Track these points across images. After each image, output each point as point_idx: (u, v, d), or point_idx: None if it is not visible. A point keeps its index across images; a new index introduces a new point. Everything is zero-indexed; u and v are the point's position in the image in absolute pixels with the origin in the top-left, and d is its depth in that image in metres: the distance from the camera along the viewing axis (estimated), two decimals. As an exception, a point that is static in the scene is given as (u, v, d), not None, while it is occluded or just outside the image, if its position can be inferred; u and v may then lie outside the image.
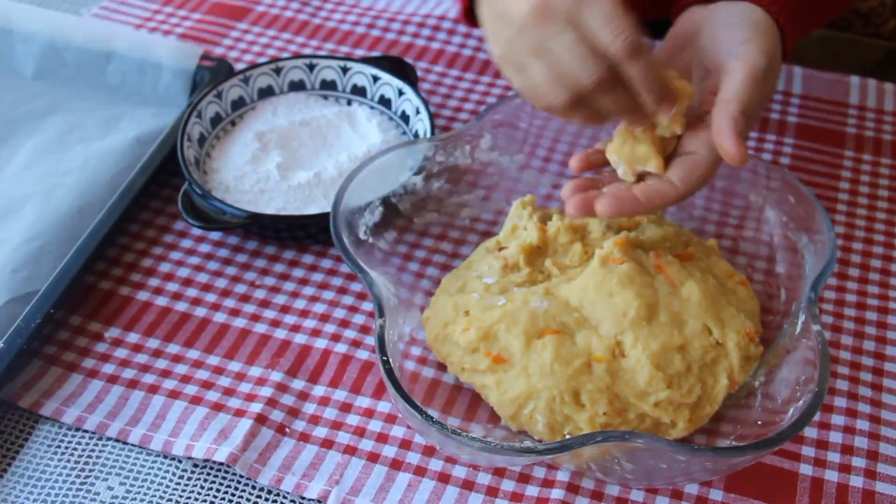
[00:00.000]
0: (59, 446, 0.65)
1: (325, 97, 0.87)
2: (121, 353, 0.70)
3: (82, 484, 0.62)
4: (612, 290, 0.64)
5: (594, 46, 0.58)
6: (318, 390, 0.68)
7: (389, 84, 0.85)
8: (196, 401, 0.67)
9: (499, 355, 0.63)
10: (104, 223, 0.74)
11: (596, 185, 0.66)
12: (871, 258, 0.78)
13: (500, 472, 0.63)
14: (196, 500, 0.62)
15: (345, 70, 0.86)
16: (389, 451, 0.64)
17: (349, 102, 0.87)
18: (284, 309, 0.73)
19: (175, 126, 0.82)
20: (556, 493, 0.62)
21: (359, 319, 0.73)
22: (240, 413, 0.66)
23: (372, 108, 0.86)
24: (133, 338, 0.71)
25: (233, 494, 0.62)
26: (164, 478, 0.63)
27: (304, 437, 0.65)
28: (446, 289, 0.70)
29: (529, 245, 0.70)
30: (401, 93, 0.84)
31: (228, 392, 0.67)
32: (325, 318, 0.73)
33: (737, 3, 0.65)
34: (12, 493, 0.62)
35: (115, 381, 0.68)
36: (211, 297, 0.74)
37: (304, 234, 0.77)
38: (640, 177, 0.64)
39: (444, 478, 0.63)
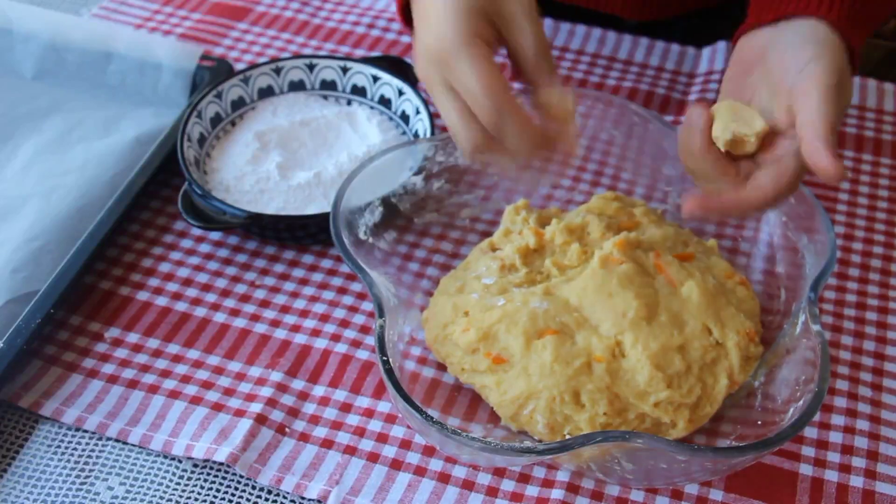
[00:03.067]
0: (59, 446, 0.65)
1: (325, 97, 0.87)
2: (121, 353, 0.70)
3: (82, 484, 0.62)
4: (611, 291, 0.64)
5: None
6: (318, 390, 0.68)
7: (389, 84, 0.85)
8: (196, 401, 0.67)
9: (499, 356, 0.63)
10: (104, 223, 0.74)
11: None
12: (871, 258, 0.78)
13: (500, 472, 0.63)
14: (196, 500, 0.62)
15: (345, 70, 0.86)
16: (389, 451, 0.64)
17: (349, 102, 0.87)
18: (284, 309, 0.73)
19: (175, 126, 0.82)
20: (556, 493, 0.62)
21: (359, 319, 0.73)
22: (240, 413, 0.66)
23: (372, 108, 0.86)
24: (133, 338, 0.71)
25: (233, 494, 0.62)
26: (164, 478, 0.63)
27: (304, 437, 0.65)
28: (445, 290, 0.70)
29: (526, 247, 0.70)
30: (401, 93, 0.84)
31: (228, 392, 0.67)
32: (325, 318, 0.73)
33: (798, 20, 0.65)
34: (12, 493, 0.62)
35: (115, 381, 0.68)
36: (211, 297, 0.74)
37: (304, 234, 0.77)
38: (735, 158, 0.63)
39: (444, 478, 0.63)
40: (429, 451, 0.64)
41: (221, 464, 0.64)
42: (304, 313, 0.73)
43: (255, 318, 0.73)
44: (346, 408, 0.67)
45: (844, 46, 0.63)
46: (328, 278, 0.76)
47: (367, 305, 0.74)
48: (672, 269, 0.66)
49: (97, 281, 0.75)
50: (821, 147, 0.58)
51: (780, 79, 0.63)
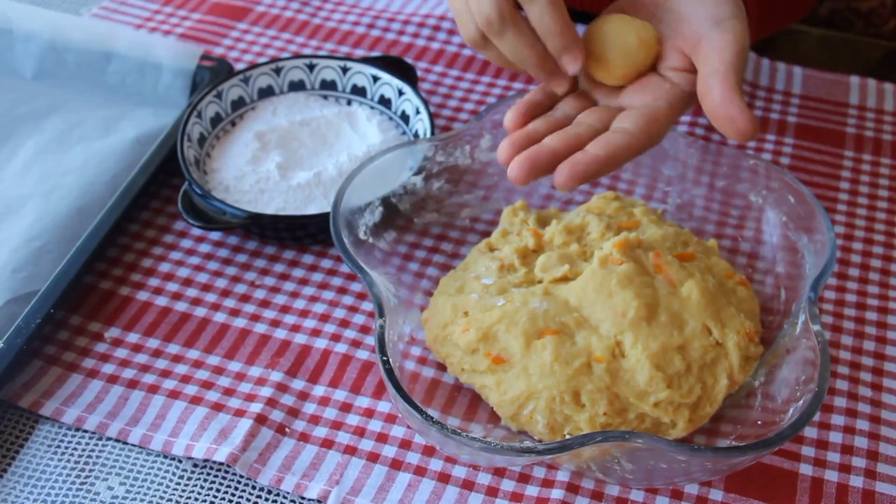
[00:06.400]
0: (59, 446, 0.65)
1: (325, 97, 0.87)
2: (121, 353, 0.70)
3: (82, 484, 0.62)
4: (611, 291, 0.64)
5: None
6: (318, 390, 0.68)
7: (389, 84, 0.85)
8: (196, 401, 0.67)
9: (498, 356, 0.63)
10: (104, 223, 0.74)
11: (536, 137, 0.60)
12: (871, 258, 0.78)
13: (500, 472, 0.63)
14: (196, 500, 0.62)
15: (345, 70, 0.86)
16: (389, 451, 0.64)
17: (349, 102, 0.87)
18: (284, 309, 0.73)
19: (175, 126, 0.82)
20: (556, 493, 0.62)
21: (359, 319, 0.73)
22: (240, 413, 0.66)
23: (372, 108, 0.86)
24: (133, 338, 0.71)
25: (233, 494, 0.62)
26: (164, 478, 0.63)
27: (304, 437, 0.65)
28: (445, 290, 0.70)
29: (525, 248, 0.70)
30: (401, 93, 0.84)
31: (228, 392, 0.67)
32: (325, 318, 0.73)
33: None
34: (12, 493, 0.62)
35: (115, 381, 0.68)
36: (211, 297, 0.74)
37: (304, 234, 0.77)
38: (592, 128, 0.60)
39: (444, 478, 0.63)
40: (429, 451, 0.64)
41: (221, 464, 0.64)
42: (304, 313, 0.73)
43: (255, 318, 0.73)
44: (346, 408, 0.67)
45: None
46: (328, 278, 0.76)
47: (367, 305, 0.74)
48: (672, 269, 0.66)
49: (97, 281, 0.75)
50: (736, 99, 0.56)
51: (688, 23, 0.62)
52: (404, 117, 0.84)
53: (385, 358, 0.58)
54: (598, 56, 0.62)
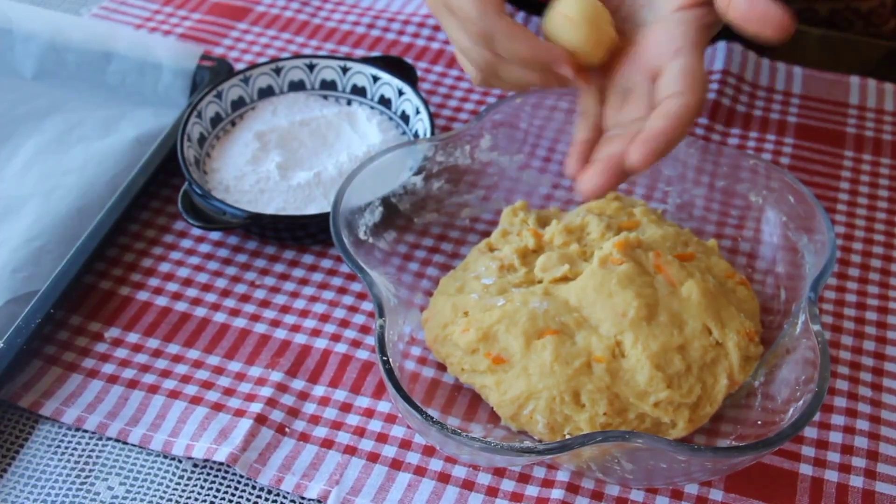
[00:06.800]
0: (59, 446, 0.65)
1: (325, 97, 0.87)
2: (121, 353, 0.70)
3: (82, 484, 0.62)
4: (611, 290, 0.64)
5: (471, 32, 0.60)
6: (318, 390, 0.68)
7: (389, 84, 0.85)
8: (196, 401, 0.67)
9: (498, 356, 0.63)
10: (104, 223, 0.74)
11: (594, 148, 0.61)
12: (871, 258, 0.78)
13: (500, 472, 0.63)
14: (196, 500, 0.62)
15: (345, 70, 0.86)
16: (389, 451, 0.64)
17: (349, 102, 0.87)
18: (284, 309, 0.73)
19: (175, 126, 0.82)
20: (556, 493, 0.62)
21: (359, 319, 0.73)
22: (240, 413, 0.66)
23: (372, 108, 0.86)
24: (133, 338, 0.71)
25: (233, 494, 0.62)
26: (164, 478, 0.63)
27: (304, 437, 0.65)
28: (445, 290, 0.70)
29: (525, 248, 0.70)
30: (401, 93, 0.84)
31: (228, 392, 0.67)
32: (325, 318, 0.73)
33: None
34: (12, 493, 0.62)
35: (115, 381, 0.68)
36: (211, 297, 0.74)
37: (304, 234, 0.77)
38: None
39: (444, 478, 0.63)
40: (429, 451, 0.64)
41: (221, 464, 0.64)
42: (304, 313, 0.73)
43: (255, 318, 0.73)
44: (346, 408, 0.67)
45: None
46: (328, 278, 0.76)
47: (367, 305, 0.74)
48: (672, 269, 0.66)
49: (97, 281, 0.75)
50: None
51: None
52: (404, 117, 0.84)
53: (385, 358, 0.58)
54: (567, 48, 0.62)
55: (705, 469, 0.57)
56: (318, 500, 0.62)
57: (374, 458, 0.64)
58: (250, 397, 0.67)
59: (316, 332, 0.72)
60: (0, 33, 0.90)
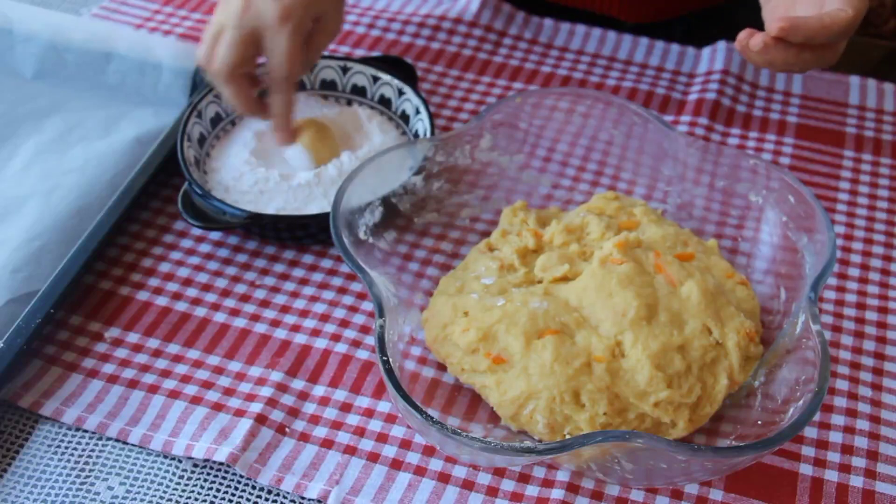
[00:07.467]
0: (59, 446, 0.65)
1: (325, 97, 0.87)
2: (121, 353, 0.70)
3: (82, 484, 0.62)
4: (611, 290, 0.64)
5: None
6: (318, 390, 0.68)
7: (389, 84, 0.85)
8: (196, 401, 0.67)
9: (499, 356, 0.63)
10: (104, 223, 0.74)
11: None
12: (871, 258, 0.78)
13: (500, 472, 0.63)
14: (196, 500, 0.62)
15: (345, 70, 0.86)
16: (389, 451, 0.64)
17: (349, 102, 0.87)
18: (284, 309, 0.73)
19: (175, 126, 0.82)
20: (556, 493, 0.62)
21: (359, 319, 0.73)
22: (240, 413, 0.66)
23: (372, 108, 0.86)
24: (133, 338, 0.71)
25: (233, 494, 0.62)
26: (164, 478, 0.63)
27: (304, 437, 0.65)
28: (445, 290, 0.70)
29: (525, 248, 0.70)
30: (401, 93, 0.84)
31: (228, 392, 0.67)
32: (325, 318, 0.73)
33: None
34: (12, 493, 0.62)
35: (115, 381, 0.68)
36: (211, 297, 0.74)
37: (304, 234, 0.77)
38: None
39: (444, 478, 0.63)
40: (429, 451, 0.64)
41: (221, 464, 0.64)
42: (304, 313, 0.73)
43: (255, 318, 0.73)
44: (346, 408, 0.67)
45: None
46: (328, 278, 0.76)
47: (367, 305, 0.74)
48: (672, 269, 0.66)
49: (97, 281, 0.75)
50: None
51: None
52: (404, 117, 0.84)
53: (385, 358, 0.58)
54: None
55: (705, 469, 0.57)
56: (318, 500, 0.62)
57: (374, 458, 0.64)
58: (250, 397, 0.67)
59: (316, 332, 0.72)
60: (0, 33, 0.90)
